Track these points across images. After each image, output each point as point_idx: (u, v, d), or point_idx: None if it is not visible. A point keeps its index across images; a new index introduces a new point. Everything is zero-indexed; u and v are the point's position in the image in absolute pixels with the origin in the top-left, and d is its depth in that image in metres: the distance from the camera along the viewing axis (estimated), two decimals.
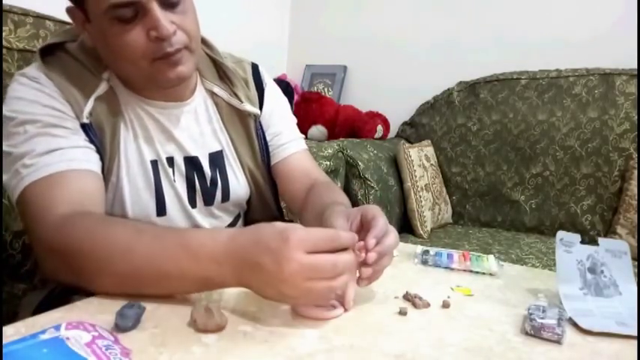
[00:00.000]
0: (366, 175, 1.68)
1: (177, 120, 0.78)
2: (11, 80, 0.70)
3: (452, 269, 0.78)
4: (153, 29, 0.65)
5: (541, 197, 1.83)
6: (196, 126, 0.81)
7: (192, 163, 0.80)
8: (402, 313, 0.59)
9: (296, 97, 2.24)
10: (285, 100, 0.96)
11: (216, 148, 0.83)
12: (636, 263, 1.32)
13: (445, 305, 0.62)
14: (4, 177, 0.66)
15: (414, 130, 2.14)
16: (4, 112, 0.66)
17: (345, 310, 0.58)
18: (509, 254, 1.51)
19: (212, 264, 0.53)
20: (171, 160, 0.78)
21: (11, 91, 0.68)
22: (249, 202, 0.90)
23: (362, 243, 0.58)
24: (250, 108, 0.85)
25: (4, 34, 0.97)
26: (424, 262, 0.79)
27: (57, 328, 0.41)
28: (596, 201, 1.73)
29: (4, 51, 0.97)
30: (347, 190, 1.68)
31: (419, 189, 1.78)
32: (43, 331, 0.41)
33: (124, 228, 0.59)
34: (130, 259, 0.55)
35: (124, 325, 0.48)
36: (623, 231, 1.61)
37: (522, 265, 1.34)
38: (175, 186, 0.78)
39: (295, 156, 0.91)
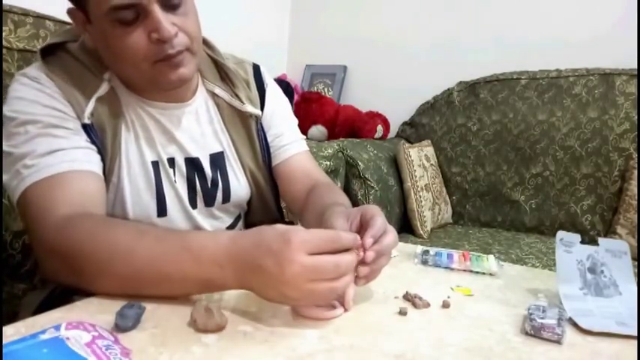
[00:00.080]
0: (366, 175, 1.68)
1: (178, 121, 0.78)
2: (12, 80, 0.70)
3: (452, 269, 0.78)
4: (154, 31, 0.65)
5: (541, 197, 1.83)
6: (197, 127, 0.81)
7: (193, 164, 0.80)
8: (402, 313, 0.59)
9: (296, 97, 2.24)
10: (286, 101, 0.96)
11: (217, 149, 0.83)
12: (636, 263, 1.32)
13: (445, 305, 0.62)
14: (5, 177, 0.66)
15: (414, 130, 2.14)
16: (5, 112, 0.66)
17: (345, 310, 0.58)
18: (509, 254, 1.51)
19: (214, 266, 0.53)
20: (172, 161, 0.78)
21: (12, 91, 0.68)
22: (249, 203, 0.90)
23: (360, 241, 0.58)
24: (251, 109, 0.85)
25: (4, 34, 0.97)
26: (424, 262, 0.79)
27: (57, 328, 0.41)
28: (596, 201, 1.73)
29: (4, 51, 0.97)
30: (347, 190, 1.68)
31: (419, 189, 1.78)
32: (43, 331, 0.41)
33: (125, 230, 0.59)
34: (131, 261, 0.55)
35: (124, 325, 0.49)
36: (623, 231, 1.61)
37: (522, 265, 1.34)
38: (176, 187, 0.78)
39: (296, 157, 0.91)
